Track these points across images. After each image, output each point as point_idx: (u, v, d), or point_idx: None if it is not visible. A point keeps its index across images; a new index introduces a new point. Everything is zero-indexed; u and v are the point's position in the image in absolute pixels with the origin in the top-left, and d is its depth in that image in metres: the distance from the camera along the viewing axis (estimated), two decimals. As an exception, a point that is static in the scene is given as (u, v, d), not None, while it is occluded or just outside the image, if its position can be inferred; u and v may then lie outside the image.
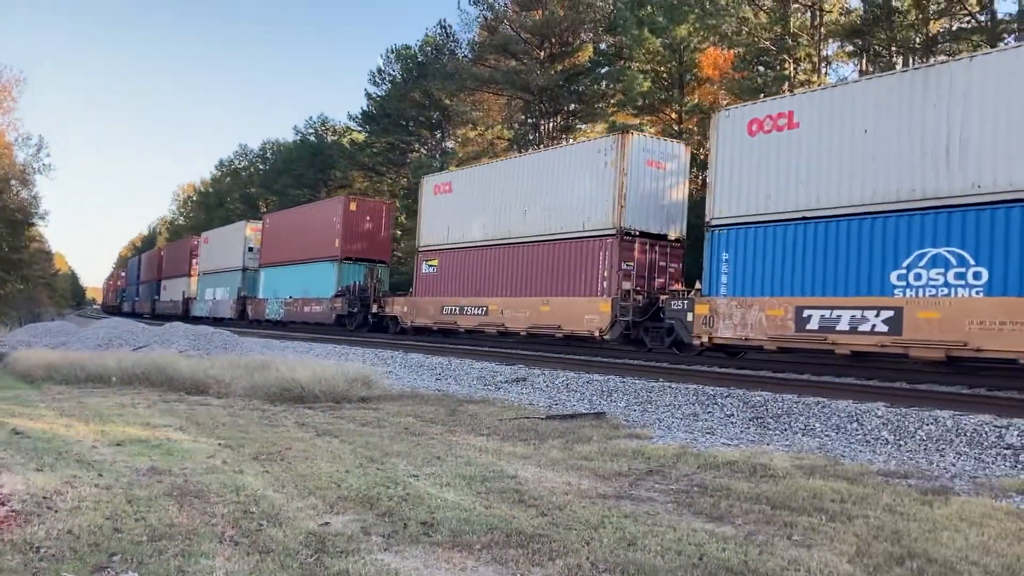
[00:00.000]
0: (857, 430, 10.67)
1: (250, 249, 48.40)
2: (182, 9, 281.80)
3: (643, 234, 22.51)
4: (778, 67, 33.97)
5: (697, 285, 19.50)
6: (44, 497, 6.00)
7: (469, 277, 27.94)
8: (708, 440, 10.36)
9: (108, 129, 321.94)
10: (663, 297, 20.81)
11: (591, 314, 22.31)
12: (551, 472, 8.13)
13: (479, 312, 26.87)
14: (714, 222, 18.99)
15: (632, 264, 22.22)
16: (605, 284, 22.17)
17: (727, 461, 8.67)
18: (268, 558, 4.94)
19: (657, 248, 22.79)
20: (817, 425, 11.02)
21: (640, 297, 21.60)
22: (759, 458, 8.78)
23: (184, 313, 57.43)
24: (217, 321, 49.12)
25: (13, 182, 58.38)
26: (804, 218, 16.96)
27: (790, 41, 32.81)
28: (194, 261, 59.46)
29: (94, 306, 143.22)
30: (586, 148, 24.23)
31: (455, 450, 9.27)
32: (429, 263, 30.42)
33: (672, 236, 23.21)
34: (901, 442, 10.09)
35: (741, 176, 18.38)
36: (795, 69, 33.45)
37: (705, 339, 18.60)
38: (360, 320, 35.04)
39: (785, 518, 6.46)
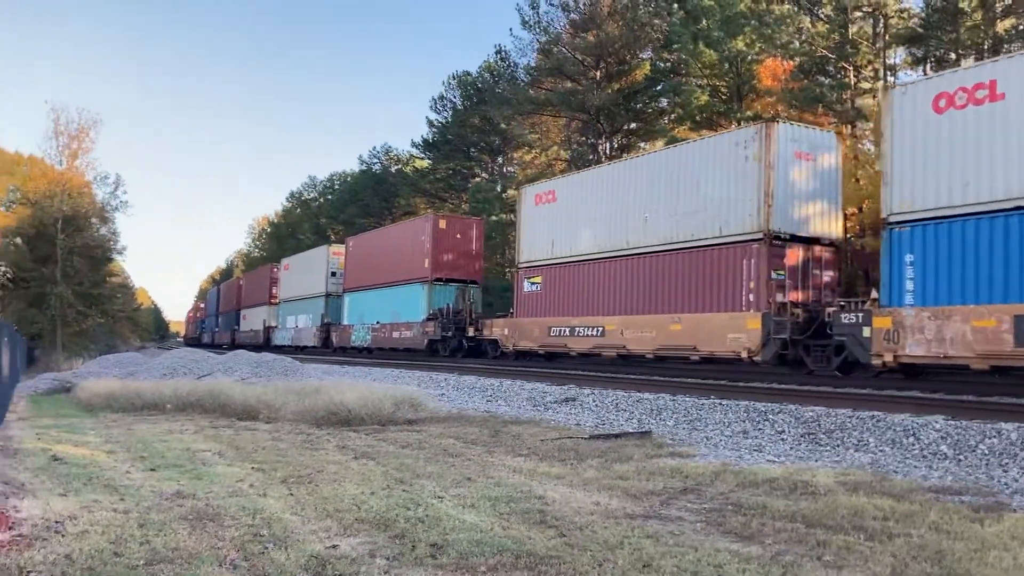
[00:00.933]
0: (913, 444, 10.13)
1: (333, 274, 46.46)
2: (249, 47, 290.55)
3: (794, 237, 19.68)
4: (839, 76, 33.14)
5: (873, 294, 16.86)
6: (57, 522, 6.02)
7: (580, 294, 25.32)
8: (754, 457, 9.96)
9: (185, 166, 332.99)
10: (829, 310, 17.83)
11: (736, 332, 19.31)
12: (581, 492, 7.89)
13: (594, 333, 24.19)
14: (892, 219, 16.13)
15: (783, 272, 19.33)
16: (751, 297, 19.31)
17: (767, 478, 8.29)
18: (262, 582, 4.82)
19: (810, 253, 19.99)
20: (871, 440, 10.50)
21: (799, 311, 18.72)
22: (801, 475, 8.38)
23: (265, 342, 55.98)
24: (300, 349, 48.08)
25: (93, 220, 60.73)
26: (1019, 207, 14.10)
27: (849, 49, 31.98)
28: (274, 289, 57.86)
29: (177, 339, 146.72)
30: (720, 142, 21.10)
31: (489, 471, 9.09)
32: (531, 281, 27.96)
33: (826, 239, 20.35)
34: (960, 456, 9.53)
35: (926, 162, 15.62)
36: (856, 77, 32.57)
37: (888, 358, 15.69)
38: (455, 345, 32.74)
39: (819, 537, 6.09)
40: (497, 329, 29.88)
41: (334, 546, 5.74)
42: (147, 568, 4.97)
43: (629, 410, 14.59)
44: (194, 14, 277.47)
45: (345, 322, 43.37)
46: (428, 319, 33.94)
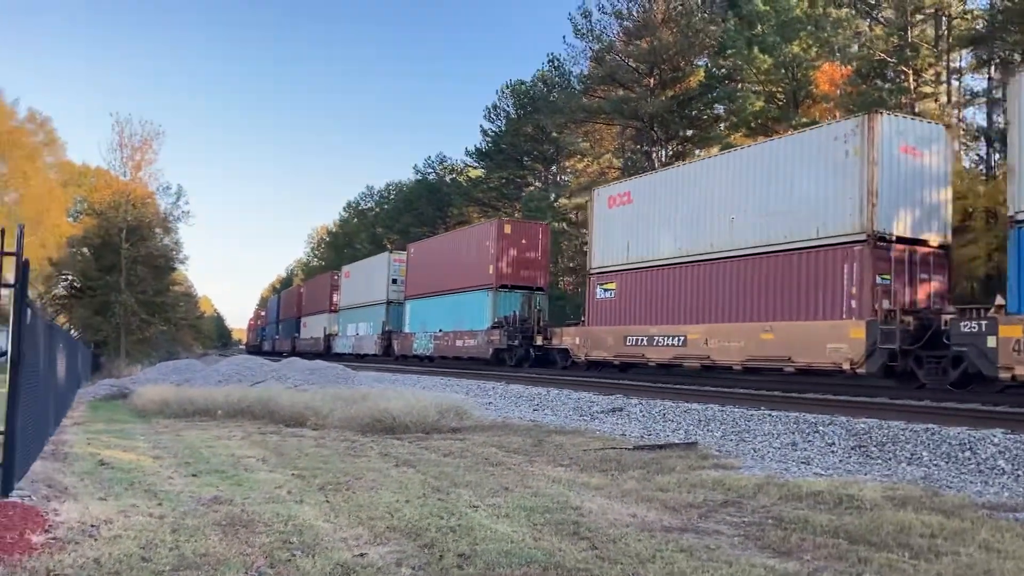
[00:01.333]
0: (969, 459, 9.75)
1: (394, 281, 45.74)
2: (309, 58, 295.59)
3: (900, 239, 18.25)
4: (898, 80, 32.39)
5: (999, 300, 15.28)
6: (92, 525, 6.10)
7: (659, 301, 23.95)
8: (800, 470, 9.69)
9: (247, 176, 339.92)
10: (945, 317, 16.28)
11: (836, 342, 17.97)
12: (619, 503, 7.75)
13: (675, 342, 22.77)
14: (1021, 216, 14.68)
15: (889, 277, 17.87)
16: (853, 304, 17.88)
17: (812, 492, 8.05)
18: (284, 589, 4.81)
19: (917, 256, 18.55)
20: (925, 454, 10.14)
21: (910, 319, 17.21)
22: (848, 488, 8.11)
23: (326, 350, 55.13)
24: (360, 358, 47.72)
25: (156, 230, 62.30)
26: None
27: (909, 52, 31.24)
28: (335, 296, 57.40)
29: (239, 346, 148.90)
30: (816, 136, 19.71)
31: (527, 480, 9.00)
32: (605, 287, 26.65)
33: (934, 241, 18.87)
34: (1019, 472, 9.14)
35: None
36: (916, 81, 31.80)
37: (1019, 371, 14.02)
38: (521, 354, 31.70)
39: (861, 554, 5.87)
40: (568, 338, 28.72)
41: (362, 554, 5.70)
42: (173, 574, 4.99)
43: (676, 420, 14.37)
44: (256, 27, 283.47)
45: (407, 330, 42.57)
46: (493, 327, 32.99)
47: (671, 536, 6.43)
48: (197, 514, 6.84)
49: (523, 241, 34.40)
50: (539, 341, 30.63)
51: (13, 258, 6.79)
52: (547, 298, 35.23)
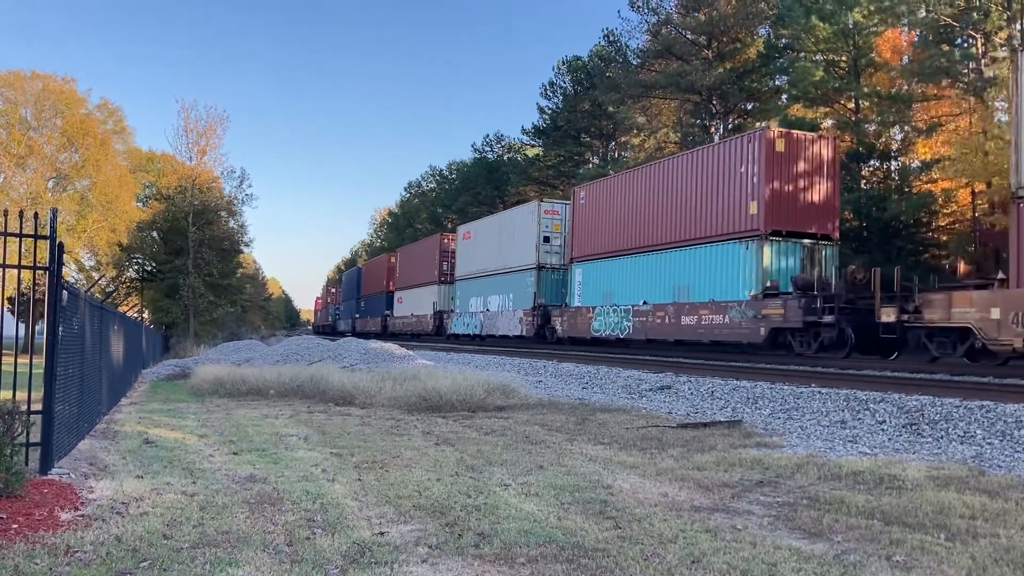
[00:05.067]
0: (1024, 437, 9.36)
1: (546, 239, 34.74)
2: (370, 41, 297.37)
3: None
4: (965, 44, 31.13)
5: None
6: (123, 503, 6.22)
7: None
8: (846, 449, 9.43)
9: (313, 159, 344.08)
10: None
11: None
12: (652, 482, 7.64)
13: None
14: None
15: None
16: None
17: (852, 471, 7.82)
18: (296, 568, 4.83)
19: None
20: (979, 432, 9.76)
21: None
22: (891, 468, 7.86)
23: (436, 331, 46.62)
24: (488, 340, 38.87)
25: (222, 213, 63.62)
26: None
27: (977, 16, 29.97)
28: (445, 264, 47.35)
29: (307, 327, 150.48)
30: None
31: (564, 459, 8.94)
32: None
33: None
34: (1078, 450, 8.74)
35: None
36: (985, 45, 30.50)
37: None
38: (833, 336, 20.48)
39: (895, 535, 5.68)
40: (970, 309, 16.60)
41: (382, 533, 5.71)
42: (190, 551, 5.06)
43: (724, 398, 14.13)
44: (320, 10, 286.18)
45: (576, 303, 31.42)
46: (767, 295, 21.90)
47: (699, 516, 6.31)
48: (229, 492, 6.93)
49: (799, 166, 23.17)
50: (887, 316, 18.46)
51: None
52: (835, 250, 23.81)
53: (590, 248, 30.93)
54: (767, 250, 22.19)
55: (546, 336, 33.53)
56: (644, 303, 26.72)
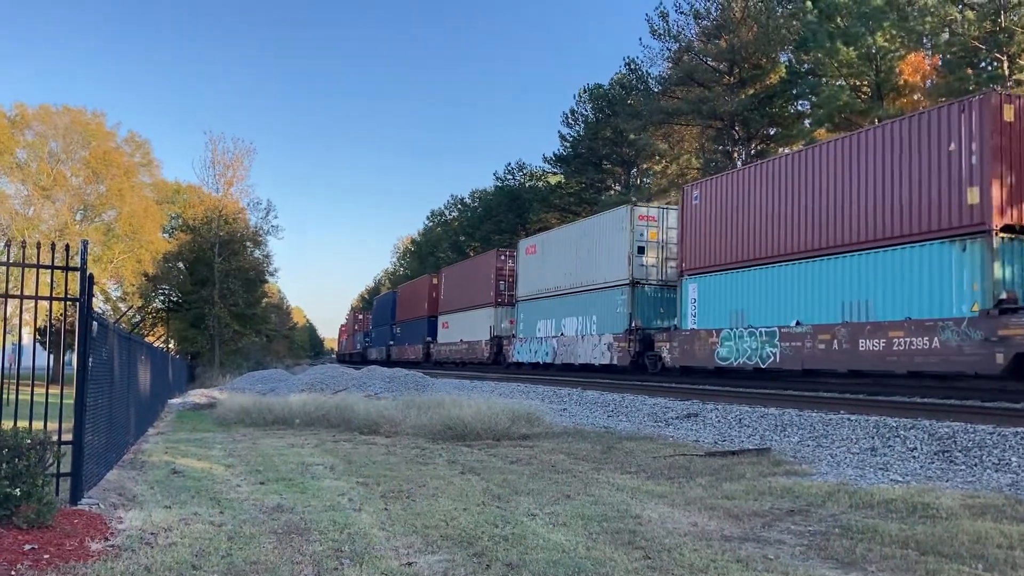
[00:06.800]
0: (1062, 465, 9.17)
1: (640, 250, 28.67)
2: (391, 69, 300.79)
3: None
4: (991, 66, 30.98)
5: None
6: (152, 533, 6.24)
7: None
8: (877, 477, 9.29)
9: (336, 187, 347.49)
10: None
11: None
12: (681, 512, 7.56)
13: None
14: None
15: None
16: None
17: (885, 499, 7.70)
18: (324, 598, 4.82)
19: None
20: (1014, 459, 9.58)
21: None
22: (924, 496, 7.72)
23: (494, 359, 40.77)
24: (583, 370, 32.02)
25: (247, 244, 64.26)
26: None
27: (1003, 37, 29.84)
28: (502, 284, 41.65)
29: (331, 356, 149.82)
30: None
31: (591, 488, 8.87)
32: None
33: None
34: (1117, 478, 8.55)
35: None
36: (1011, 68, 30.33)
37: None
38: None
39: (930, 565, 5.57)
40: None
41: (410, 563, 5.68)
42: (218, 582, 5.06)
43: (752, 426, 13.97)
44: (345, 48, 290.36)
45: (691, 324, 25.09)
46: (1006, 310, 15.72)
47: (729, 546, 6.23)
48: (256, 522, 6.94)
49: None
50: None
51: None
52: None
53: (709, 258, 24.76)
54: (997, 252, 16.29)
55: (646, 366, 27.27)
56: (797, 324, 20.66)
